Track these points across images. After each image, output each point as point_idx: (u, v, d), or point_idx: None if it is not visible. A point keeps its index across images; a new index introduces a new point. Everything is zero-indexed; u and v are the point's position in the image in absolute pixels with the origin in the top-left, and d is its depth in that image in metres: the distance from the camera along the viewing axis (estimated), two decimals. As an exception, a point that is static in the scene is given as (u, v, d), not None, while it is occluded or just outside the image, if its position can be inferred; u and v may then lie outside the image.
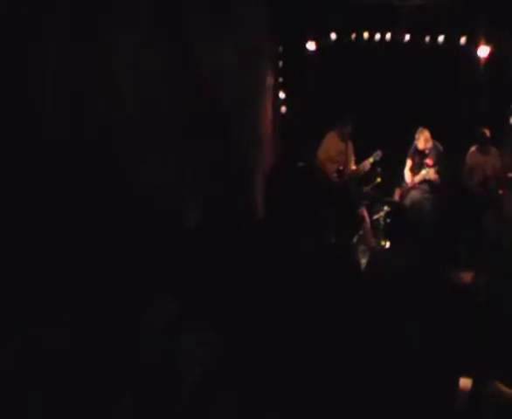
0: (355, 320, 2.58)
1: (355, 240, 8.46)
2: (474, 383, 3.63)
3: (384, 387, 2.89)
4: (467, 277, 6.57)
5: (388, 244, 7.33)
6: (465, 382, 3.58)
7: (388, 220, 7.22)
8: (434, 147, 7.92)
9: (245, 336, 2.07)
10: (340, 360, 2.26)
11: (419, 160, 8.02)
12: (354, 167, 8.23)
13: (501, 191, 7.51)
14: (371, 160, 8.18)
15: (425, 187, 7.94)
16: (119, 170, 3.03)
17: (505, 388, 3.01)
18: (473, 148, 7.72)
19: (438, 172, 7.84)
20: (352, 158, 8.28)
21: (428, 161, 7.90)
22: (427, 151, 7.91)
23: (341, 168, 8.03)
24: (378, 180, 8.45)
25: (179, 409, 1.94)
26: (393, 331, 3.28)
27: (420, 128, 7.94)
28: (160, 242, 3.11)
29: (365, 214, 8.20)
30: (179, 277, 2.28)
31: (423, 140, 7.91)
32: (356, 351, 2.47)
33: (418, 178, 7.99)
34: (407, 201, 7.86)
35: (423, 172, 7.93)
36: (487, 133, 7.51)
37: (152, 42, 3.40)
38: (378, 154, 8.15)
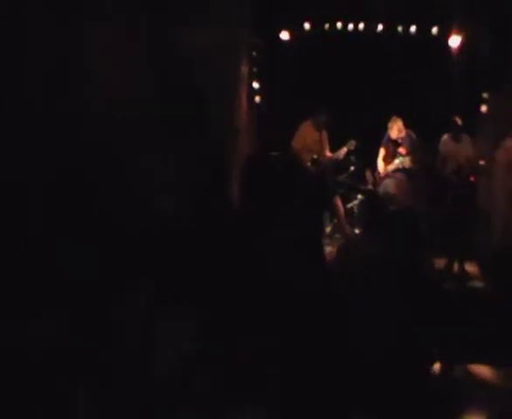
0: (336, 309, 2.60)
1: (330, 228, 8.56)
2: (445, 366, 3.72)
3: (361, 374, 2.94)
4: (439, 263, 6.70)
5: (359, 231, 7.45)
6: (436, 366, 3.66)
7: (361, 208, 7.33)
8: (408, 135, 8.00)
9: (222, 324, 2.09)
10: (320, 348, 2.29)
11: (393, 148, 8.10)
12: (329, 154, 8.29)
13: (472, 178, 7.61)
14: (345, 149, 8.25)
15: (399, 175, 8.02)
16: (96, 160, 3.02)
17: (475, 369, 3.09)
18: (445, 137, 7.81)
19: (412, 160, 7.93)
20: (327, 147, 8.35)
21: (401, 149, 7.99)
22: (400, 140, 8.00)
23: (315, 156, 8.09)
24: (352, 168, 8.53)
25: (155, 396, 1.96)
26: (370, 319, 3.32)
27: (393, 118, 8.02)
28: (136, 231, 3.11)
29: (339, 202, 8.27)
30: (156, 266, 2.29)
31: (396, 130, 7.99)
32: (336, 339, 2.50)
33: (391, 167, 8.07)
34: (380, 189, 7.93)
35: (396, 161, 8.01)
36: (459, 121, 7.60)
37: (128, 32, 3.39)
38: (352, 143, 8.22)
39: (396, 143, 8.05)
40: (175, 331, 2.00)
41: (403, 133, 7.98)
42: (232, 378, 2.04)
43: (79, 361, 2.22)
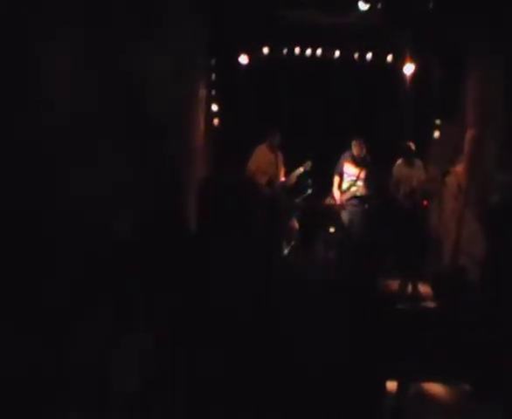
0: (283, 331, 2.64)
1: (286, 251, 8.61)
2: (400, 385, 3.78)
3: (311, 394, 2.97)
4: (393, 284, 6.84)
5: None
6: (391, 385, 3.73)
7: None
8: (365, 156, 8.17)
9: (182, 342, 2.11)
10: (265, 368, 2.32)
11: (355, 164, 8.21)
12: (283, 178, 8.40)
13: (425, 202, 7.81)
14: (301, 170, 8.37)
15: (353, 202, 8.19)
16: (48, 183, 2.99)
17: (429, 389, 3.16)
18: (399, 161, 8.01)
19: (367, 186, 8.10)
20: (282, 169, 8.46)
21: (361, 174, 8.12)
22: (361, 157, 8.16)
23: (270, 179, 8.19)
24: (309, 191, 8.62)
25: (117, 414, 1.96)
26: (318, 337, 3.36)
27: (354, 141, 8.19)
28: (91, 256, 3.09)
29: (296, 225, 8.36)
30: (113, 289, 2.29)
31: (358, 147, 8.15)
32: (283, 360, 2.53)
33: (346, 196, 8.23)
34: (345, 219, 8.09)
35: (352, 189, 8.16)
36: (412, 146, 7.81)
37: (82, 53, 3.39)
38: (308, 164, 8.33)
39: (355, 163, 8.17)
40: (132, 347, 2.01)
41: (364, 152, 8.16)
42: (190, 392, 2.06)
43: (38, 379, 2.21)
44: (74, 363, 2.07)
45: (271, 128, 8.30)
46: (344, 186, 8.29)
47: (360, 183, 8.15)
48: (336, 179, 8.37)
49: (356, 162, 8.20)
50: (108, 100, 3.68)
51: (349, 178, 8.25)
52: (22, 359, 2.43)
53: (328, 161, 8.43)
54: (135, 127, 4.10)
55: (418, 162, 7.95)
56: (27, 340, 2.48)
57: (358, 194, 8.12)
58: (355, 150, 8.20)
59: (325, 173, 8.47)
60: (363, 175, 8.16)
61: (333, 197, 8.37)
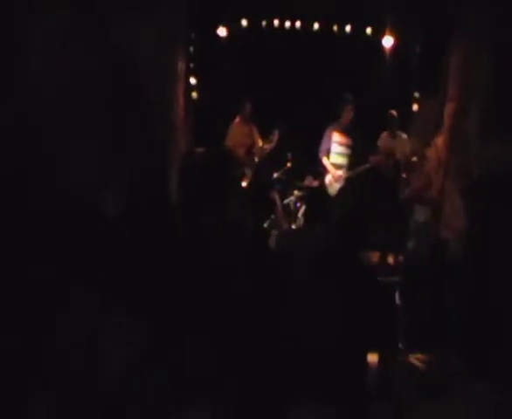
0: (270, 303, 2.64)
1: (266, 224, 8.60)
2: (382, 357, 3.82)
3: (300, 365, 2.99)
4: (374, 256, 6.88)
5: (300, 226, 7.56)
6: (373, 357, 3.76)
7: (304, 204, 7.39)
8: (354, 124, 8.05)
9: (167, 327, 2.09)
10: (257, 343, 2.32)
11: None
12: (260, 144, 8.38)
13: (404, 175, 7.86)
14: (276, 132, 8.27)
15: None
16: (34, 159, 2.94)
17: (413, 359, 3.19)
18: (383, 134, 8.02)
19: (355, 154, 8.04)
20: (258, 138, 8.46)
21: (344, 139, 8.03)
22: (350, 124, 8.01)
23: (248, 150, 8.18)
24: (288, 165, 8.60)
25: (103, 404, 1.94)
26: (307, 309, 3.38)
27: (349, 106, 7.99)
28: (76, 232, 3.04)
29: (277, 198, 8.34)
30: (100, 269, 2.26)
31: (350, 113, 7.97)
32: (272, 334, 2.54)
33: (342, 173, 8.12)
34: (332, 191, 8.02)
35: (338, 172, 8.09)
36: (395, 113, 7.84)
37: (68, 27, 3.32)
38: (281, 125, 8.24)
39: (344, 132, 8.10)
40: (121, 333, 1.99)
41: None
42: (178, 378, 2.05)
43: (25, 368, 2.17)
44: (64, 341, 2.04)
45: (241, 100, 8.30)
46: (336, 159, 8.13)
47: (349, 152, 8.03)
48: (325, 159, 8.13)
49: (346, 131, 8.05)
50: (92, 74, 3.62)
51: (341, 148, 8.10)
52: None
53: (309, 137, 8.38)
54: (120, 99, 4.04)
55: (403, 135, 7.98)
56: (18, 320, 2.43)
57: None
58: (347, 116, 7.98)
59: (305, 145, 8.44)
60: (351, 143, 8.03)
61: (314, 179, 8.29)
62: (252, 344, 2.28)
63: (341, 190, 7.97)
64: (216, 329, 2.16)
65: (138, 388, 1.97)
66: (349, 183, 8.04)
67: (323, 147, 8.16)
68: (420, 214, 7.32)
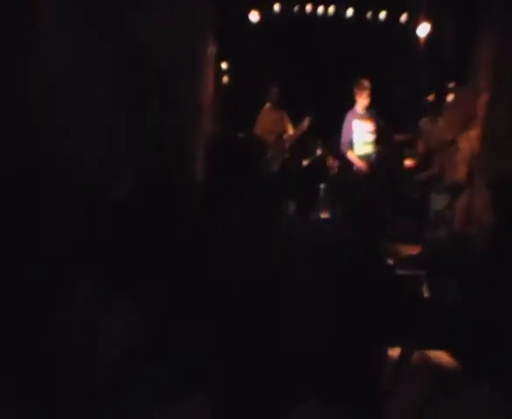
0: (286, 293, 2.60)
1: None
2: (402, 352, 3.75)
3: (311, 358, 2.94)
4: (405, 249, 6.76)
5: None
6: (393, 352, 3.69)
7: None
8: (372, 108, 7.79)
9: (165, 313, 2.08)
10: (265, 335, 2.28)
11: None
12: (291, 131, 8.26)
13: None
14: (307, 118, 8.05)
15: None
16: (45, 140, 2.94)
17: (432, 355, 3.11)
18: (425, 118, 7.79)
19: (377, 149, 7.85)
20: (289, 125, 8.33)
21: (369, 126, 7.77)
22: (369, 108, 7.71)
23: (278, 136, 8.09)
24: (319, 152, 8.48)
25: (100, 386, 1.94)
26: (309, 305, 3.32)
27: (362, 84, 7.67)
28: (90, 216, 3.04)
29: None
30: (104, 253, 2.25)
31: (366, 93, 7.64)
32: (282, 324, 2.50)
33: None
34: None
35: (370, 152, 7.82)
36: (432, 98, 7.66)
37: (82, 8, 3.32)
38: (313, 112, 8.05)
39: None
40: (118, 318, 1.98)
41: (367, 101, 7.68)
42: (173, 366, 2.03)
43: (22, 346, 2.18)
44: (62, 323, 2.04)
45: (269, 86, 8.20)
46: (361, 150, 7.77)
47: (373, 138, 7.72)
48: (350, 152, 7.76)
49: (366, 116, 7.71)
50: (109, 54, 3.61)
51: (364, 135, 7.73)
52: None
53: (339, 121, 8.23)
54: (139, 81, 4.02)
55: (441, 122, 7.75)
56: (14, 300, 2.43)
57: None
58: (361, 103, 7.62)
59: (334, 132, 8.29)
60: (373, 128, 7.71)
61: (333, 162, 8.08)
62: (256, 336, 2.25)
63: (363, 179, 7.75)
64: (219, 318, 2.13)
65: (136, 372, 1.97)
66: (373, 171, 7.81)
67: (344, 139, 7.78)
68: (437, 202, 7.12)
